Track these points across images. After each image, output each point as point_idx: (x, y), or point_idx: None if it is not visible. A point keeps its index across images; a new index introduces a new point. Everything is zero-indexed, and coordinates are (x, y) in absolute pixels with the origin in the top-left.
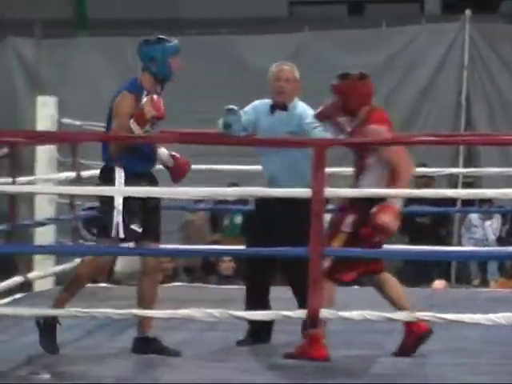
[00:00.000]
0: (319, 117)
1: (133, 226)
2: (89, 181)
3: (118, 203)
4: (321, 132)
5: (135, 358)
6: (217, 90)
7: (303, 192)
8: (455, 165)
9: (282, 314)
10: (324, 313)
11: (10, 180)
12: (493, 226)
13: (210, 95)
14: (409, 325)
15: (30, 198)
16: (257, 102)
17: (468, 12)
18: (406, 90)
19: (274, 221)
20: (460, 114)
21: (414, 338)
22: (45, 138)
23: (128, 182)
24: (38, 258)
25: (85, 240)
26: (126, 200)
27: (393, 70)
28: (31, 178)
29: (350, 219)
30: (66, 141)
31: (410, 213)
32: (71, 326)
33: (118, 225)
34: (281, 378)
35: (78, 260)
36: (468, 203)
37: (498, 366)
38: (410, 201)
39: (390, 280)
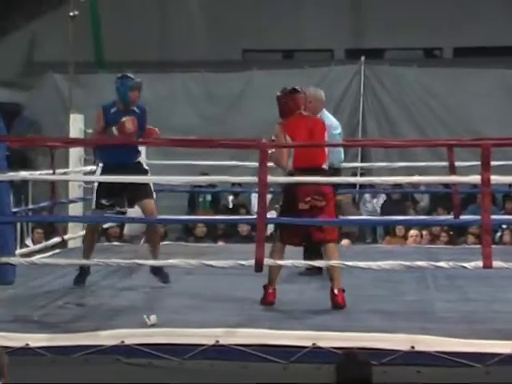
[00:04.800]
0: None
1: None
2: None
3: None
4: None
5: (139, 290)
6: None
7: (252, 179)
8: (355, 161)
9: (238, 262)
10: (266, 261)
11: (51, 171)
12: (378, 203)
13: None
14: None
15: (65, 183)
16: None
17: (363, 58)
18: None
19: None
20: (358, 127)
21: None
22: (75, 142)
23: None
24: (71, 224)
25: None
26: None
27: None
28: (66, 170)
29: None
30: (89, 145)
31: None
32: (94, 271)
33: None
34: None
35: None
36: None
37: (388, 296)
38: None
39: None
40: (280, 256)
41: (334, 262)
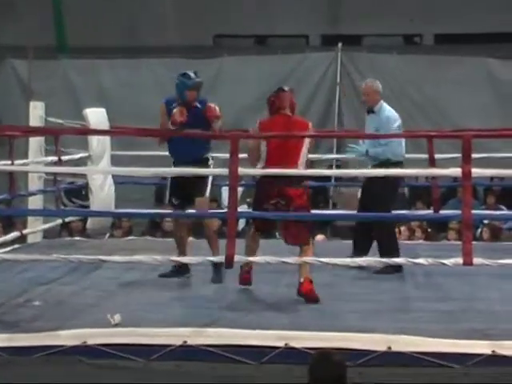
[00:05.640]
0: None
1: None
2: (67, 163)
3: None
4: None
5: (102, 288)
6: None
7: (223, 171)
8: (330, 153)
9: (206, 258)
10: (237, 258)
11: (9, 162)
12: (357, 197)
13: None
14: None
15: (24, 175)
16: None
17: (339, 44)
18: (296, 99)
19: None
20: (334, 117)
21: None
22: (35, 131)
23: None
24: (30, 218)
25: (65, 206)
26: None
27: (286, 85)
28: (25, 160)
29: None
30: (51, 134)
31: None
32: (55, 267)
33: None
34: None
35: (59, 220)
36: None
37: (364, 294)
38: None
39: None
40: (254, 241)
41: (306, 259)
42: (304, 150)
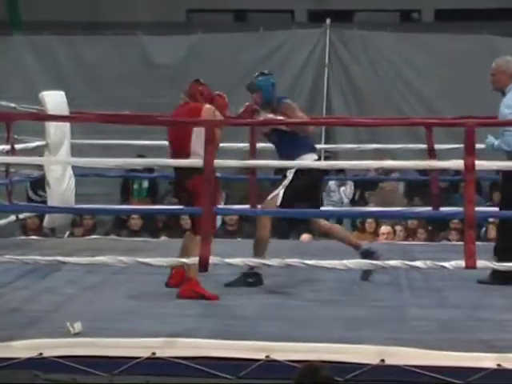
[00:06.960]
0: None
1: None
2: (21, 152)
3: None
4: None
5: (60, 293)
6: (128, 80)
7: (197, 162)
8: (318, 142)
9: (180, 260)
10: (212, 259)
11: None
12: (346, 191)
13: (124, 84)
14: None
15: None
16: None
17: (328, 20)
18: (279, 81)
19: None
20: (321, 102)
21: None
22: None
23: None
24: None
25: (31, 200)
26: None
27: (268, 66)
28: None
29: None
30: (2, 119)
31: None
32: (7, 269)
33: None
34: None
35: (13, 216)
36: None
37: (354, 300)
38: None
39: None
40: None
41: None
42: (194, 138)
